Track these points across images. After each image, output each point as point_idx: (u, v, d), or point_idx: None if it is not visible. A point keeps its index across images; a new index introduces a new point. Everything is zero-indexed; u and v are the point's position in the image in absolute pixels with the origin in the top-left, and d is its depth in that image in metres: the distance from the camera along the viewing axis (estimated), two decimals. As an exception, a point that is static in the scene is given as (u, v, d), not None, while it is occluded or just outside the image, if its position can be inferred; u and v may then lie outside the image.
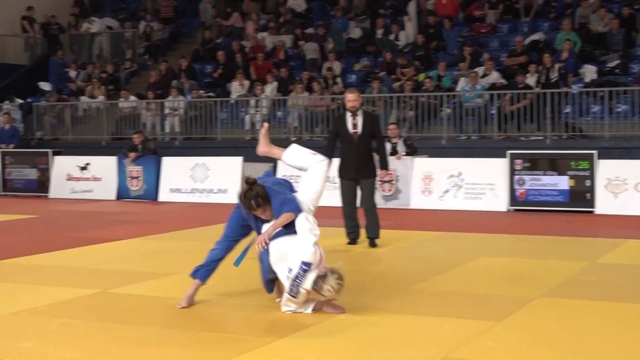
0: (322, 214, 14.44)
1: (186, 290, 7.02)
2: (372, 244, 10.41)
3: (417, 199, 15.58)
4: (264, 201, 6.55)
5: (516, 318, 6.59)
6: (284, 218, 6.49)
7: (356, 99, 10.28)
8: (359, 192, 10.51)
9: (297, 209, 6.55)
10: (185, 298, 6.97)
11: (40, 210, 16.02)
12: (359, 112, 10.35)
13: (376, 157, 10.51)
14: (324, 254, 6.54)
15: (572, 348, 5.72)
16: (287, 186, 6.89)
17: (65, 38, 27.16)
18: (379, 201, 15.82)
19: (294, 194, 6.75)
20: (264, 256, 6.61)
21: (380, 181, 15.88)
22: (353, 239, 10.60)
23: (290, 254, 6.43)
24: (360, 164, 10.32)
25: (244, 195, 6.56)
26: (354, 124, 10.29)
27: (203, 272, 6.98)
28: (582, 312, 6.83)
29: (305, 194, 6.78)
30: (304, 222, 6.48)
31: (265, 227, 6.61)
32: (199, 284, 7.00)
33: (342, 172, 10.51)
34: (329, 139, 10.87)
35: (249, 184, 6.58)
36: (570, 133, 17.69)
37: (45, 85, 25.01)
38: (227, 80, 22.39)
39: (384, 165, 10.55)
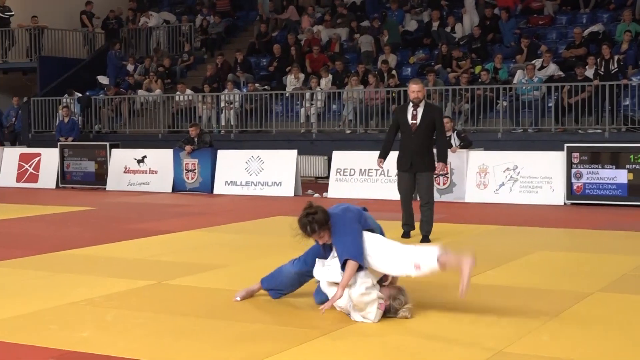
0: (376, 207, 14.41)
1: (241, 282, 7.05)
2: (425, 240, 10.17)
3: (472, 193, 15.47)
4: (320, 227, 6.26)
5: (572, 313, 6.51)
6: (349, 272, 6.12)
7: (420, 90, 10.05)
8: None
9: (357, 256, 6.16)
10: (244, 291, 6.99)
11: (98, 202, 16.24)
12: (421, 104, 10.11)
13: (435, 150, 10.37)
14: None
15: (628, 344, 5.63)
16: (356, 215, 6.48)
17: (123, 32, 27.49)
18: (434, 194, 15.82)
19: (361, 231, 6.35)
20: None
21: (435, 174, 15.83)
22: (407, 232, 10.46)
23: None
24: (416, 157, 10.10)
25: (299, 220, 6.33)
26: (414, 114, 10.07)
27: (273, 294, 6.90)
28: (639, 307, 6.73)
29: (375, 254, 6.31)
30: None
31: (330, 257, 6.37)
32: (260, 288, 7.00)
33: (399, 164, 10.36)
34: (389, 130, 10.74)
35: (306, 209, 6.33)
36: (629, 126, 17.41)
37: (103, 79, 25.35)
38: (283, 73, 22.45)
39: (442, 158, 10.32)
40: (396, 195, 16.08)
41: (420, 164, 10.14)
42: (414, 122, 10.07)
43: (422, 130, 10.07)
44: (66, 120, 21.74)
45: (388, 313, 6.22)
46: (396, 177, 16.49)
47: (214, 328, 6.07)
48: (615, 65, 17.76)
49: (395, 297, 6.26)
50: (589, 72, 17.96)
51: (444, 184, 15.67)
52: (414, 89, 10.05)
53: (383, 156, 10.54)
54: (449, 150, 15.43)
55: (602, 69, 17.76)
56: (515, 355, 5.36)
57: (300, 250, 6.79)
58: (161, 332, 5.98)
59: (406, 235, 10.40)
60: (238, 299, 6.89)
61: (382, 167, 10.96)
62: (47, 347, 5.59)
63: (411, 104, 10.12)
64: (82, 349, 5.53)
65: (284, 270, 6.83)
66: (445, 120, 16.21)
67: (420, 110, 10.07)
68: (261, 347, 5.55)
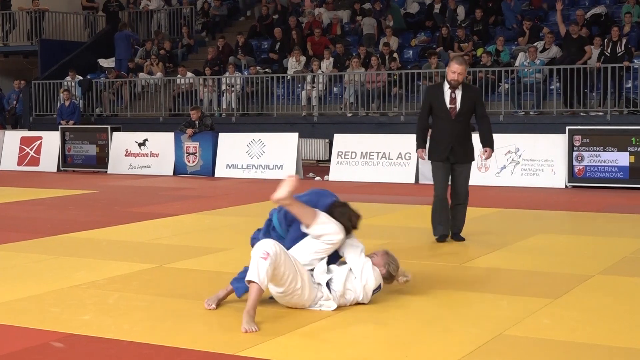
0: (378, 190, 14.39)
1: (243, 265, 7.03)
2: (458, 238, 9.04)
3: (473, 175, 15.37)
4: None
5: (573, 295, 6.53)
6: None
7: (462, 72, 8.71)
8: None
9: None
10: (215, 298, 6.27)
11: (99, 185, 16.25)
12: (459, 85, 8.81)
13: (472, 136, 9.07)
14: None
15: (628, 326, 5.64)
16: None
17: (124, 15, 27.41)
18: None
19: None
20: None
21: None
22: (442, 235, 9.07)
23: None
24: (456, 145, 8.82)
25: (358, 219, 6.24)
26: (452, 98, 8.78)
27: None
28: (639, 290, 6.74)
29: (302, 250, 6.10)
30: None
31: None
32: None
33: (434, 153, 8.96)
34: (421, 116, 9.16)
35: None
36: (631, 108, 17.38)
37: (104, 62, 25.29)
38: (284, 56, 22.41)
39: (489, 142, 9.00)
40: (399, 179, 16.30)
41: (460, 153, 8.88)
42: (453, 106, 8.79)
43: (462, 115, 8.84)
44: (67, 103, 21.72)
45: (386, 280, 6.26)
46: (400, 160, 16.76)
47: (216, 311, 6.08)
48: (622, 48, 17.67)
49: (390, 263, 6.28)
50: (594, 54, 17.89)
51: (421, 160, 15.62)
52: (456, 69, 8.69)
53: (423, 145, 9.06)
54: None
55: (609, 51, 17.68)
56: (515, 338, 5.37)
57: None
58: (163, 315, 6.00)
59: (442, 238, 9.04)
60: (213, 306, 6.17)
61: (425, 158, 9.15)
62: (49, 330, 5.61)
63: (447, 86, 8.81)
64: (84, 332, 5.55)
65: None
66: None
67: (459, 93, 8.80)
68: (263, 329, 5.56)
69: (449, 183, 9.01)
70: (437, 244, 8.92)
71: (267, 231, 6.32)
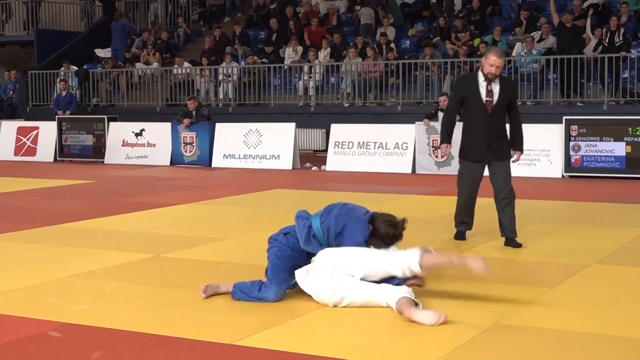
0: (374, 180, 14.39)
1: (240, 255, 7.06)
2: (514, 244, 8.16)
3: (470, 165, 15.44)
4: None
5: (569, 285, 6.54)
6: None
7: (500, 65, 8.02)
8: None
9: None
10: (209, 289, 6.21)
11: (96, 175, 16.24)
12: (496, 78, 8.12)
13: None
14: None
15: (624, 315, 5.66)
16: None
17: (120, 5, 27.34)
18: (432, 167, 15.83)
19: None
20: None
21: (433, 147, 15.82)
22: (462, 232, 8.61)
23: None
24: (493, 142, 8.16)
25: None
26: (489, 91, 8.07)
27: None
28: (636, 279, 6.75)
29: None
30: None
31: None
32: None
33: (467, 152, 8.31)
34: (450, 108, 8.63)
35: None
36: (628, 98, 17.38)
37: (101, 52, 25.24)
38: (279, 46, 22.38)
39: (520, 145, 8.45)
40: (396, 168, 16.30)
41: (498, 151, 8.21)
42: (490, 99, 8.07)
43: (499, 110, 8.15)
44: (64, 93, 21.69)
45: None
46: (397, 150, 16.77)
47: (213, 301, 6.09)
48: (621, 38, 17.65)
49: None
50: (592, 44, 17.88)
51: (443, 157, 15.66)
52: (494, 62, 7.96)
53: (449, 140, 8.44)
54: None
55: (607, 41, 17.66)
56: (512, 327, 5.38)
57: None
58: (160, 305, 6.01)
59: (461, 236, 8.58)
60: (204, 296, 6.13)
61: (447, 154, 8.76)
62: (46, 320, 5.61)
63: (482, 77, 8.09)
64: (81, 321, 5.55)
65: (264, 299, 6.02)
66: (443, 98, 16.19)
67: (496, 86, 8.07)
68: (260, 319, 5.58)
69: (478, 186, 8.37)
70: (433, 233, 8.89)
71: (308, 238, 6.02)
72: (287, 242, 6.09)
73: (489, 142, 8.14)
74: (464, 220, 8.51)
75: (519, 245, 8.07)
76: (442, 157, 7.87)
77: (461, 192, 8.37)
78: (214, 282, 6.30)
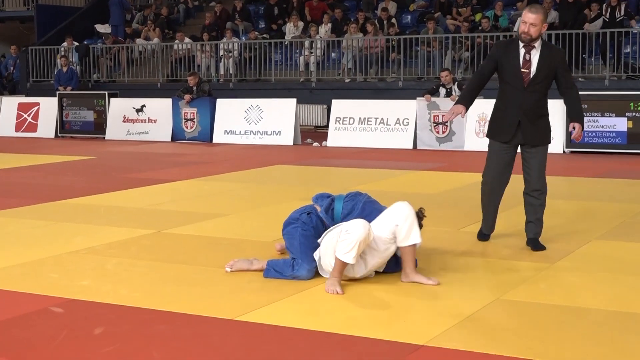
0: (375, 156, 14.40)
1: (241, 231, 7.06)
2: (536, 246, 6.91)
3: (471, 141, 15.45)
4: None
5: (569, 260, 6.55)
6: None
7: (536, 23, 6.66)
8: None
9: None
10: (237, 264, 6.28)
11: (97, 151, 16.24)
12: (537, 44, 6.77)
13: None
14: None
15: (625, 290, 5.67)
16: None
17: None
18: (433, 143, 15.82)
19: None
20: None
21: (434, 123, 15.79)
22: (486, 234, 7.36)
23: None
24: (525, 122, 6.83)
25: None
26: (527, 60, 6.76)
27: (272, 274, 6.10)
28: (637, 255, 6.76)
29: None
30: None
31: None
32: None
33: (496, 130, 7.01)
34: (480, 72, 7.25)
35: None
36: (629, 74, 17.34)
37: (101, 28, 25.15)
38: (273, 20, 22.29)
39: (579, 116, 7.01)
40: (397, 144, 16.30)
41: (533, 132, 6.88)
42: (527, 70, 6.77)
43: (538, 83, 6.81)
44: (65, 69, 21.64)
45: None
46: (398, 126, 16.75)
47: (214, 276, 6.11)
48: (622, 13, 17.58)
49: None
50: (597, 22, 17.82)
51: (444, 132, 15.65)
52: (528, 18, 6.69)
53: (463, 102, 7.00)
54: (449, 98, 15.49)
55: (608, 16, 17.59)
56: (512, 302, 5.39)
57: (303, 199, 6.80)
58: (161, 280, 6.02)
59: (484, 236, 7.35)
60: (229, 270, 6.21)
61: (459, 114, 6.97)
62: (48, 295, 5.63)
63: (521, 44, 6.80)
64: (83, 297, 5.57)
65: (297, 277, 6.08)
66: (445, 73, 16.14)
67: (535, 54, 6.76)
68: (260, 295, 5.59)
69: (505, 175, 7.11)
70: (434, 209, 8.79)
71: (328, 209, 6.25)
72: (310, 221, 6.21)
73: (520, 121, 6.82)
74: (489, 221, 7.28)
75: (542, 248, 6.90)
76: (446, 118, 6.40)
77: (483, 179, 7.16)
78: (242, 258, 6.35)
